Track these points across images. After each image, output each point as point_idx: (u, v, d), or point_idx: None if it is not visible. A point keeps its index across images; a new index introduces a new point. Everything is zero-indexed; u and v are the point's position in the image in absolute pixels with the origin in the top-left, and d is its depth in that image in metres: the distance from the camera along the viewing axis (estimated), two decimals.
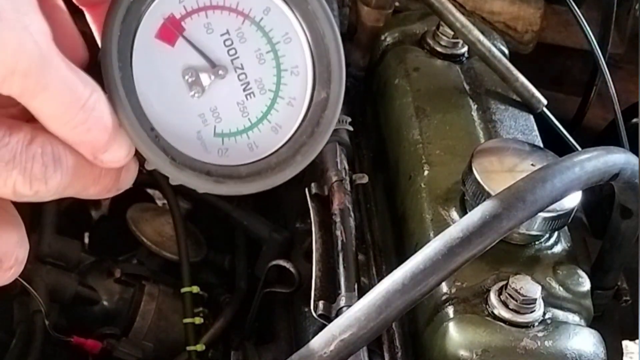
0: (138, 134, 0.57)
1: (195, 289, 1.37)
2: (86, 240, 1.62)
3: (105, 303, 1.39)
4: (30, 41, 0.52)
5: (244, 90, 0.61)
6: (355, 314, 0.80)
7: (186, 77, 0.59)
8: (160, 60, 0.59)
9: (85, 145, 0.56)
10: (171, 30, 0.59)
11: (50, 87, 0.53)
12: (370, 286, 1.07)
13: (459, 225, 0.82)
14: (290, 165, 0.61)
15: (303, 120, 0.62)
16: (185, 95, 0.59)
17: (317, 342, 0.80)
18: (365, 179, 1.12)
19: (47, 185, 0.55)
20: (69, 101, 0.54)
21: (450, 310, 0.92)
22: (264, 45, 0.61)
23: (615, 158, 0.90)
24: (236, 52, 0.60)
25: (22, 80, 0.52)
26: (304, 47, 0.62)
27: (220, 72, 0.60)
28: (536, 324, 0.91)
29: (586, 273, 0.98)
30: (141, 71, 0.58)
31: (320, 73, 0.62)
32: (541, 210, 0.85)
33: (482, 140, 1.11)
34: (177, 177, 0.59)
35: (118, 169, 0.59)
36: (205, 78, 0.60)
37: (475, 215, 0.82)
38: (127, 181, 0.61)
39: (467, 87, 1.20)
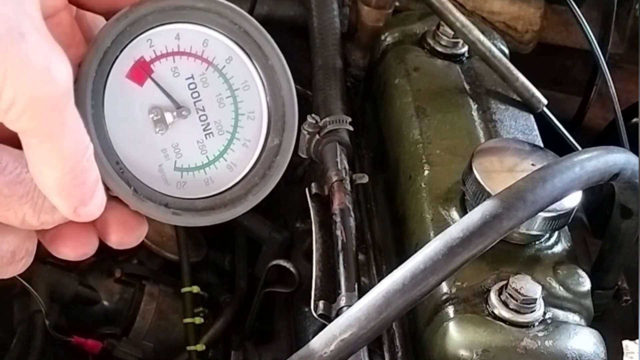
0: (104, 167, 0.62)
1: (195, 289, 1.37)
2: None
3: (105, 303, 1.39)
4: (57, 70, 0.54)
5: (204, 130, 0.66)
6: (355, 313, 0.80)
7: (152, 115, 0.65)
8: (130, 98, 0.64)
9: (73, 197, 0.59)
10: (141, 72, 0.64)
11: (66, 126, 0.56)
12: (370, 286, 1.07)
13: (459, 225, 0.82)
14: (242, 203, 0.67)
15: (256, 162, 0.68)
16: (150, 132, 0.65)
17: (318, 342, 0.80)
18: (365, 179, 1.12)
19: (54, 217, 0.60)
20: (78, 148, 0.58)
21: (450, 310, 0.92)
22: (224, 91, 0.67)
23: (615, 158, 0.90)
24: (199, 95, 0.66)
25: (41, 112, 0.54)
26: (261, 95, 0.67)
27: (184, 112, 0.65)
28: (536, 323, 0.91)
29: (586, 273, 0.98)
30: (112, 108, 0.63)
31: (275, 121, 0.68)
32: (541, 210, 0.85)
33: (482, 140, 1.11)
34: (139, 207, 0.64)
35: None
36: (169, 117, 0.65)
37: (476, 215, 0.82)
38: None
39: (467, 87, 1.20)
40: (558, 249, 1.00)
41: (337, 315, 0.94)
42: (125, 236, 0.65)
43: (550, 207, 0.87)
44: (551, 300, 0.94)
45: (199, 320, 1.35)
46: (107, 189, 0.63)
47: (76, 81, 0.61)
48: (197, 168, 0.66)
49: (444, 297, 0.93)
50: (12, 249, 0.61)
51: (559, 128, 1.23)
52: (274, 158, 0.68)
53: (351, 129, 1.17)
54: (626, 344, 1.19)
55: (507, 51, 1.27)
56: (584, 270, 0.98)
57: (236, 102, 0.67)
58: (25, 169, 0.58)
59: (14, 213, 0.58)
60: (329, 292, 0.98)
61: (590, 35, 1.29)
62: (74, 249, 0.64)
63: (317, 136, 1.15)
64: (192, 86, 0.65)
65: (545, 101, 1.20)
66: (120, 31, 0.63)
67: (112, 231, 0.64)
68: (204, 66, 0.66)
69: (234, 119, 0.67)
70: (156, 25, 0.64)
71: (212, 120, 0.66)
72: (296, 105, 0.68)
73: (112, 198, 0.64)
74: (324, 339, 0.79)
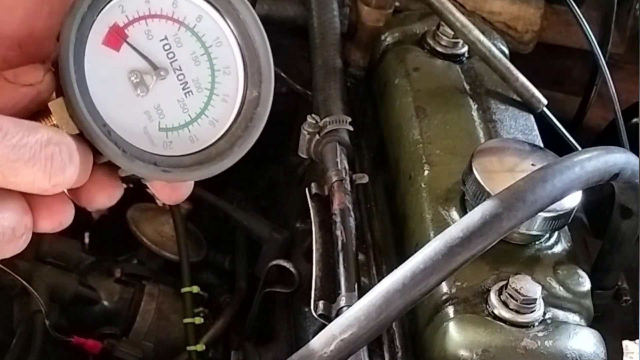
0: (92, 129, 0.63)
1: (195, 289, 1.38)
2: (86, 240, 1.62)
3: (105, 303, 1.39)
4: None
5: (183, 89, 0.68)
6: (355, 313, 0.80)
7: (132, 79, 0.66)
8: (108, 64, 0.66)
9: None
10: (116, 37, 0.66)
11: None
12: (370, 286, 1.07)
13: (459, 225, 0.82)
14: (229, 155, 0.68)
15: (237, 116, 0.69)
16: (131, 95, 0.66)
17: (317, 341, 0.80)
18: (365, 179, 1.12)
19: (65, 178, 0.61)
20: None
21: (450, 310, 0.92)
22: (198, 49, 0.68)
23: (615, 158, 0.90)
24: (174, 55, 0.67)
25: None
26: (235, 50, 0.69)
27: (162, 73, 0.67)
28: (536, 323, 0.91)
29: (586, 273, 0.98)
30: (92, 74, 0.64)
31: (251, 74, 0.69)
32: (541, 210, 0.85)
33: (482, 140, 1.11)
34: (129, 167, 0.65)
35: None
36: (148, 79, 0.66)
37: (476, 215, 0.82)
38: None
39: (467, 87, 1.20)
40: (558, 249, 1.00)
41: (337, 315, 0.94)
42: (96, 194, 0.66)
43: (550, 207, 0.87)
44: (551, 300, 0.94)
45: (199, 320, 1.35)
46: (95, 155, 0.64)
47: (59, 43, 0.63)
48: (181, 127, 0.67)
49: (444, 297, 0.93)
50: (13, 225, 0.62)
51: (559, 128, 1.23)
52: (254, 110, 0.69)
53: (351, 129, 1.17)
54: (626, 344, 1.20)
55: (507, 51, 1.27)
56: (584, 270, 0.98)
57: (211, 59, 0.68)
58: (27, 133, 0.60)
59: (23, 178, 0.60)
60: (329, 292, 0.98)
61: (590, 35, 1.29)
62: (50, 219, 0.64)
63: (317, 136, 1.15)
64: (166, 47, 0.67)
65: (545, 101, 1.20)
66: None
67: (83, 188, 0.65)
68: (176, 26, 0.67)
69: (210, 76, 0.68)
70: None
71: (189, 78, 0.67)
72: (271, 56, 0.69)
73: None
74: (324, 339, 0.79)
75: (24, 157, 0.59)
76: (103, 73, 0.65)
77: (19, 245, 0.63)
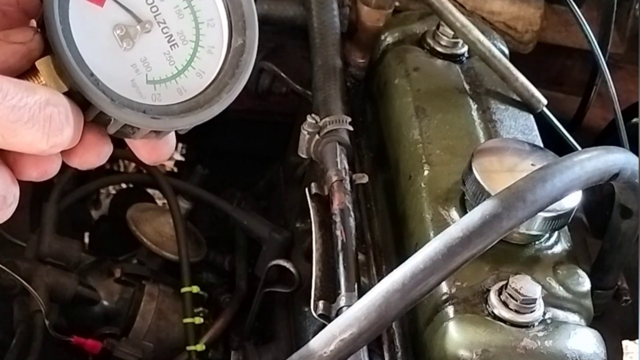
0: (80, 78, 0.64)
1: (195, 289, 1.37)
2: (86, 240, 1.62)
3: (105, 303, 1.39)
4: None
5: (169, 42, 0.68)
6: (355, 313, 0.80)
7: (117, 32, 0.67)
8: (93, 19, 0.66)
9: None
10: None
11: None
12: (370, 286, 1.07)
13: (459, 225, 0.82)
14: (217, 102, 0.69)
15: (224, 65, 0.70)
16: (117, 49, 0.67)
17: (317, 341, 0.80)
18: (365, 179, 1.12)
19: (64, 138, 0.63)
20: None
21: (450, 310, 0.92)
22: (181, 2, 0.69)
23: (615, 158, 0.90)
24: (158, 9, 0.68)
25: None
26: (217, 1, 0.70)
27: (146, 26, 0.68)
28: (536, 323, 0.91)
29: (586, 273, 0.98)
30: (78, 29, 0.65)
31: (235, 22, 0.70)
32: (541, 210, 0.85)
33: (482, 140, 1.11)
34: (118, 115, 0.65)
35: None
36: (133, 32, 0.67)
37: (475, 214, 0.82)
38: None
39: (467, 87, 1.20)
40: (558, 249, 1.00)
41: (337, 315, 0.94)
42: (85, 153, 0.67)
43: (550, 207, 0.87)
44: (551, 300, 0.94)
45: (198, 320, 1.35)
46: (84, 113, 0.65)
47: (44, 1, 0.64)
48: (168, 79, 0.68)
49: (444, 297, 0.93)
50: (3, 193, 0.63)
51: (559, 128, 1.23)
52: (240, 57, 0.69)
53: (351, 129, 1.17)
54: (626, 344, 1.20)
55: (507, 51, 1.27)
56: (583, 270, 0.98)
57: (194, 12, 0.69)
58: (26, 94, 0.61)
59: (22, 139, 0.61)
60: (329, 292, 0.98)
61: (590, 35, 1.29)
62: (36, 168, 0.65)
63: (317, 136, 1.15)
64: (149, 1, 0.68)
65: (545, 101, 1.20)
66: None
67: (72, 150, 0.66)
68: None
69: (194, 28, 0.69)
70: None
71: (174, 31, 0.68)
72: (253, 4, 0.70)
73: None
74: (324, 339, 0.79)
75: (23, 117, 0.60)
76: (88, 28, 0.65)
77: (7, 213, 0.64)
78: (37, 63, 0.65)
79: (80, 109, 0.65)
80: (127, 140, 0.69)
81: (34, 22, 0.68)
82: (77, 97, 0.65)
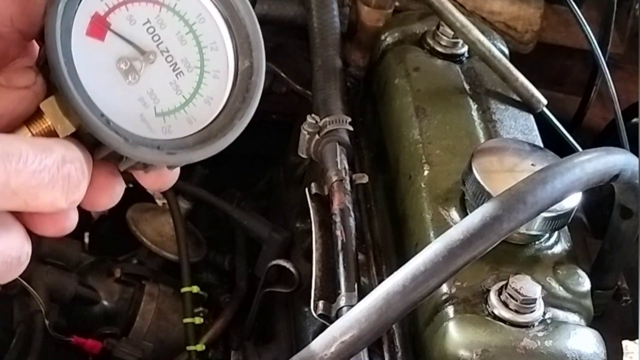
0: (91, 120, 0.62)
1: (195, 289, 1.38)
2: (86, 240, 1.62)
3: (105, 303, 1.39)
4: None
5: (174, 70, 0.66)
6: (355, 316, 0.80)
7: (121, 66, 0.65)
8: (95, 54, 0.64)
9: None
10: (99, 27, 0.65)
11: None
12: (370, 286, 1.08)
13: (460, 227, 0.82)
14: (231, 130, 0.66)
15: (232, 89, 0.68)
16: (123, 83, 0.65)
17: (318, 343, 0.80)
18: (365, 179, 1.12)
19: (80, 194, 0.61)
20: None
21: (450, 310, 0.92)
22: (182, 28, 0.67)
23: (615, 159, 0.90)
24: (160, 38, 0.66)
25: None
26: (219, 23, 0.68)
27: (150, 57, 0.66)
28: (536, 323, 0.91)
29: (586, 273, 0.98)
30: (82, 66, 0.63)
31: (240, 44, 0.68)
32: (542, 212, 0.85)
33: (482, 140, 1.11)
34: (133, 154, 0.63)
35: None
36: (137, 65, 0.65)
37: (476, 217, 0.82)
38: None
39: (467, 87, 1.20)
40: (558, 249, 1.00)
41: (337, 315, 0.94)
42: (98, 196, 0.65)
43: (550, 208, 0.86)
44: (551, 300, 0.94)
45: (198, 320, 1.35)
46: (92, 152, 0.63)
47: (44, 38, 0.62)
48: (177, 109, 0.66)
49: (444, 297, 0.93)
50: (18, 254, 0.62)
51: (559, 128, 1.23)
52: (249, 80, 0.67)
53: (351, 129, 1.17)
54: (626, 344, 1.19)
55: (507, 51, 1.27)
56: (583, 270, 0.98)
57: (197, 37, 0.67)
58: (45, 155, 0.59)
59: (43, 201, 0.60)
60: (329, 292, 0.98)
61: (590, 35, 1.29)
62: (53, 225, 0.64)
63: (317, 136, 1.15)
64: (150, 30, 0.66)
65: (545, 101, 1.20)
66: None
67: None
68: (157, 8, 0.66)
69: (198, 53, 0.67)
70: None
71: (178, 59, 0.66)
72: (257, 23, 0.68)
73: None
74: (324, 341, 0.79)
75: (43, 181, 0.59)
76: (91, 64, 0.64)
77: (19, 271, 0.63)
78: (41, 105, 0.62)
79: (89, 150, 0.63)
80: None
81: (34, 43, 0.66)
82: (86, 137, 0.63)
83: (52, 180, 0.59)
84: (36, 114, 0.63)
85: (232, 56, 0.68)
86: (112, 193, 0.66)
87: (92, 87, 0.63)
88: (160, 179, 0.68)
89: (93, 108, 0.62)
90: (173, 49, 0.66)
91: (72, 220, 0.64)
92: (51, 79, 0.62)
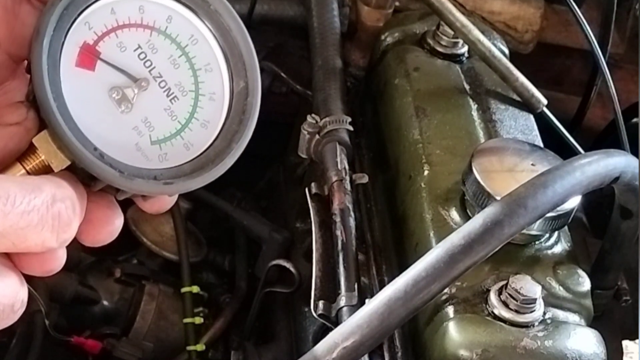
0: (84, 155, 0.60)
1: (195, 289, 1.37)
2: None
3: (105, 303, 1.39)
4: None
5: (167, 95, 0.64)
6: (357, 321, 0.80)
7: (113, 96, 0.63)
8: (86, 85, 0.63)
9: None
10: (88, 57, 0.63)
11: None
12: (371, 286, 1.08)
13: (461, 232, 0.82)
14: (228, 154, 0.65)
15: (229, 111, 0.66)
16: (116, 113, 0.63)
17: (320, 349, 0.80)
18: (365, 179, 1.12)
19: (71, 232, 0.60)
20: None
21: (450, 310, 0.92)
22: (174, 51, 0.65)
23: (615, 161, 0.90)
24: (152, 63, 0.64)
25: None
26: (212, 44, 0.66)
27: (143, 84, 0.64)
28: (536, 323, 0.91)
29: (586, 273, 0.98)
30: (72, 98, 0.61)
31: (234, 65, 0.66)
32: (542, 216, 0.85)
33: (482, 140, 1.11)
34: (129, 187, 0.62)
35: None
36: (130, 93, 0.63)
37: (477, 221, 0.82)
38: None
39: (467, 87, 1.20)
40: (558, 249, 1.00)
41: (337, 315, 0.94)
42: (97, 235, 0.63)
43: None
44: (551, 300, 0.94)
45: (199, 320, 1.35)
46: (88, 184, 0.62)
47: (30, 74, 0.60)
48: (173, 136, 0.64)
49: (444, 297, 0.93)
50: (12, 302, 0.60)
51: (559, 128, 1.23)
52: (245, 101, 0.66)
53: (351, 129, 1.17)
54: (626, 344, 1.19)
55: (507, 51, 1.27)
56: (583, 270, 0.98)
57: (190, 59, 0.65)
58: (34, 195, 0.57)
59: (32, 242, 0.58)
60: (329, 292, 0.98)
61: (590, 35, 1.29)
62: (41, 266, 0.62)
63: (317, 136, 1.15)
64: (142, 56, 0.64)
65: (545, 101, 1.20)
66: (60, 15, 0.61)
67: (82, 230, 0.62)
68: (147, 32, 0.64)
69: (192, 77, 0.65)
70: (90, 3, 0.62)
71: (172, 84, 0.64)
72: (250, 42, 0.66)
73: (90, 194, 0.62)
74: (326, 347, 0.79)
75: (32, 222, 0.57)
76: (82, 96, 0.62)
77: (13, 319, 0.61)
78: (34, 141, 0.61)
79: (84, 183, 0.61)
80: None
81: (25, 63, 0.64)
82: (81, 171, 0.61)
83: (42, 221, 0.57)
84: (29, 150, 0.61)
85: (227, 77, 0.66)
86: (112, 228, 0.64)
87: (84, 120, 0.61)
88: (157, 204, 0.67)
89: (85, 142, 0.60)
90: (166, 73, 0.64)
91: (60, 261, 0.62)
92: (41, 115, 0.60)
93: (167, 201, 0.67)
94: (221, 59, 0.66)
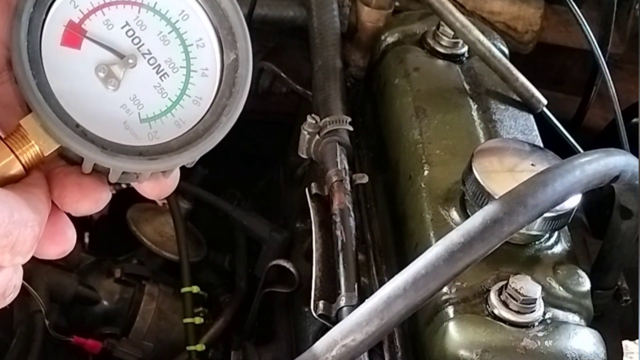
0: (63, 132, 0.59)
1: (195, 289, 1.37)
2: (86, 240, 1.62)
3: (105, 303, 1.39)
4: None
5: (157, 72, 0.63)
6: (356, 319, 0.80)
7: (100, 74, 0.62)
8: (71, 63, 0.62)
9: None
10: (74, 35, 0.62)
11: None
12: (371, 286, 1.08)
13: (460, 230, 0.82)
14: (217, 128, 0.63)
15: (219, 86, 0.64)
16: (103, 90, 0.62)
17: (319, 347, 0.80)
18: (365, 179, 1.12)
19: (29, 256, 0.59)
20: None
21: (450, 310, 0.92)
22: (164, 27, 0.64)
23: (615, 160, 0.90)
24: (140, 40, 0.63)
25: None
26: (203, 19, 0.64)
27: (130, 61, 0.63)
28: (536, 323, 0.91)
29: (586, 273, 0.98)
30: (55, 77, 0.60)
31: (224, 37, 0.64)
32: (542, 214, 0.85)
33: (482, 140, 1.11)
34: (112, 164, 0.61)
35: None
36: (117, 70, 0.62)
37: (477, 219, 0.82)
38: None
39: (467, 87, 1.20)
40: (558, 249, 1.00)
41: (337, 315, 0.94)
42: (82, 199, 0.62)
43: None
44: (551, 300, 0.94)
45: (199, 320, 1.35)
46: (68, 158, 0.61)
47: (11, 49, 0.59)
48: (163, 113, 0.63)
49: (444, 297, 0.93)
50: (3, 290, 0.60)
51: (559, 128, 1.23)
52: (235, 74, 0.64)
53: (351, 129, 1.17)
54: (626, 344, 1.20)
55: (507, 51, 1.27)
56: (583, 270, 0.98)
57: (180, 35, 0.64)
58: None
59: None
60: (329, 292, 0.98)
61: (590, 35, 1.29)
62: (55, 246, 0.62)
63: (317, 136, 1.15)
64: (130, 33, 0.63)
65: (545, 101, 1.20)
66: None
67: (67, 193, 0.61)
68: (136, 9, 0.63)
69: (183, 52, 0.64)
70: None
71: (162, 60, 0.63)
72: (240, 12, 0.65)
73: (73, 163, 0.62)
74: (326, 345, 0.79)
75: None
76: (67, 74, 0.61)
77: (7, 302, 0.61)
78: (21, 122, 0.60)
79: (76, 164, 0.61)
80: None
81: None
82: (70, 152, 0.60)
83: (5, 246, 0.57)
84: (18, 131, 0.60)
85: (218, 51, 0.65)
86: (98, 199, 0.63)
87: (68, 98, 0.60)
88: (157, 187, 0.65)
89: (66, 119, 0.59)
90: (155, 50, 0.63)
91: (70, 242, 0.62)
92: (20, 91, 0.59)
93: (167, 185, 0.66)
94: (212, 33, 0.65)
